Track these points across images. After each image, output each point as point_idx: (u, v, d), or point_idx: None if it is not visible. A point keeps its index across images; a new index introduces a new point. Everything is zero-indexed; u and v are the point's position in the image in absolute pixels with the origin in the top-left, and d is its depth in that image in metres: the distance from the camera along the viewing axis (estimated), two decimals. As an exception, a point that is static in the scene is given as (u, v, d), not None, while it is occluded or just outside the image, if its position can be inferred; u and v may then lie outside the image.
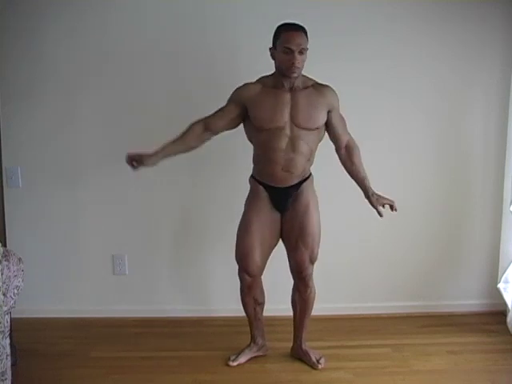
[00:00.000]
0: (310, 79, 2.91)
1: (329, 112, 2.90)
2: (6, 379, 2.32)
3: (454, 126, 3.62)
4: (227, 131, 2.94)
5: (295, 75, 2.79)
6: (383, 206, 2.87)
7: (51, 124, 3.49)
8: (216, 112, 2.89)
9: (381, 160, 3.58)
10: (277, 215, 2.95)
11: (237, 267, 3.02)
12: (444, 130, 3.61)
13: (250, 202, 2.97)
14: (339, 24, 3.45)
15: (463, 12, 3.48)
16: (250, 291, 3.03)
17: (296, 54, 2.73)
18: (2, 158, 3.49)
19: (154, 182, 3.56)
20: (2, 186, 3.51)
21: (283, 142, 2.83)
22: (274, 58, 2.84)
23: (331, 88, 2.92)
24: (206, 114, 2.90)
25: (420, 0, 3.46)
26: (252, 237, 2.92)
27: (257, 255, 2.95)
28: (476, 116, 3.61)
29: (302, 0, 3.40)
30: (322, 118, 2.88)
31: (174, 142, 2.87)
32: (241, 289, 3.05)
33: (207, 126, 2.88)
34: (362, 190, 2.94)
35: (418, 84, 3.55)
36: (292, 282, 3.08)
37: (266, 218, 2.92)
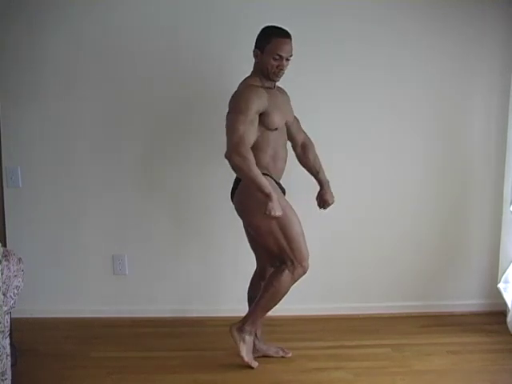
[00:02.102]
0: None
1: None
2: (5, 379, 2.32)
3: (454, 127, 3.61)
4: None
5: (279, 79, 2.89)
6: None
7: (51, 124, 3.49)
8: (244, 129, 2.73)
9: (380, 160, 3.59)
10: None
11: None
12: (444, 130, 3.60)
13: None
14: (338, 28, 3.45)
15: (463, 12, 3.48)
16: None
17: (284, 61, 2.82)
18: (2, 158, 3.49)
19: (154, 183, 3.56)
20: (2, 186, 3.51)
21: (284, 139, 2.97)
22: (258, 60, 2.85)
23: None
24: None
25: (420, 1, 3.46)
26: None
27: None
28: (476, 116, 3.61)
29: (301, 2, 3.41)
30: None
31: (260, 174, 2.75)
32: (291, 280, 2.88)
33: (250, 148, 2.77)
34: (318, 182, 3.10)
35: (417, 84, 3.55)
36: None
37: None
